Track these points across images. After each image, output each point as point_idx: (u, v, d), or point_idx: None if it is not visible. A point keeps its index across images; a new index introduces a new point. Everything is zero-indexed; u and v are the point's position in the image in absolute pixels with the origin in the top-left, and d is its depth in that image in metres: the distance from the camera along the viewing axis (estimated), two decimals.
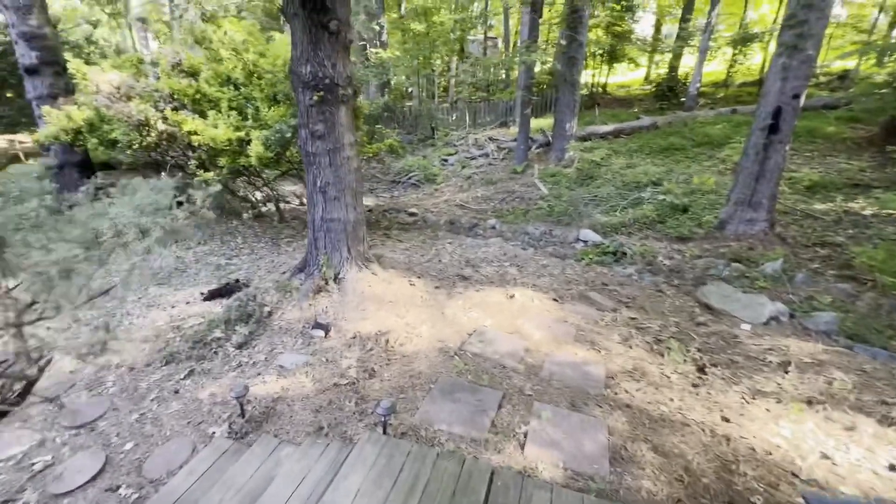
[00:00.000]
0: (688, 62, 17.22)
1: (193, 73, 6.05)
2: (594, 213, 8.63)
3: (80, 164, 7.00)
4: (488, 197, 10.60)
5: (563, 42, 9.35)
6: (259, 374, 3.52)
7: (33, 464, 2.86)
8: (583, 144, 11.68)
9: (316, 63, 3.50)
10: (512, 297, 4.70)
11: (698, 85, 13.88)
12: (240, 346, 3.89)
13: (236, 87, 6.19)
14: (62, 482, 2.70)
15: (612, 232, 7.65)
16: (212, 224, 7.78)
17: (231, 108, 5.90)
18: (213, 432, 2.99)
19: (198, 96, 5.98)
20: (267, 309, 4.31)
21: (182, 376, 3.61)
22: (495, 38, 25.81)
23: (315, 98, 3.62)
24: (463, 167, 12.80)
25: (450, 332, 3.92)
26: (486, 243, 7.12)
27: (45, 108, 5.66)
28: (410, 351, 3.65)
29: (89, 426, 3.16)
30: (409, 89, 19.95)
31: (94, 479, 2.73)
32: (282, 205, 8.77)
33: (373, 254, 5.20)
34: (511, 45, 18.06)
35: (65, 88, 6.42)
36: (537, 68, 13.89)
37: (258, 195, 8.80)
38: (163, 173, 5.81)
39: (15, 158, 10.41)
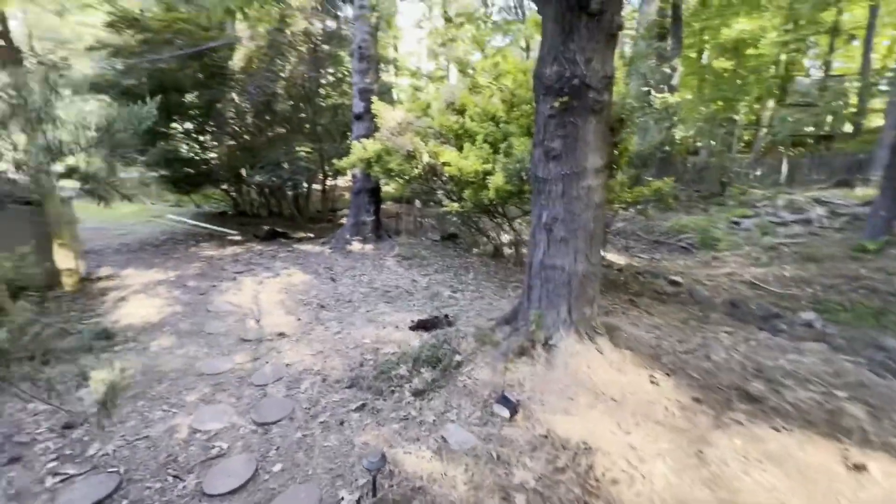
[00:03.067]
0: None
1: (462, 111, 6.33)
2: None
3: (372, 190, 8.48)
4: (804, 279, 7.27)
5: None
6: (418, 438, 2.79)
7: (213, 447, 2.94)
8: None
9: (564, 59, 2.68)
10: (860, 468, 2.46)
11: None
12: (416, 394, 3.31)
13: (496, 124, 6.13)
14: (214, 481, 2.62)
15: None
16: (453, 256, 8.04)
17: (485, 142, 5.81)
18: (342, 498, 2.39)
19: (461, 132, 6.19)
20: (458, 358, 3.63)
21: (354, 407, 3.27)
22: (841, 76, 19.51)
23: (556, 105, 2.78)
24: (764, 234, 9.49)
25: (710, 499, 2.20)
26: (795, 348, 4.54)
27: (353, 144, 7.00)
28: (626, 502, 2.18)
29: (266, 427, 3.13)
30: (696, 142, 17.06)
31: (234, 492, 2.53)
32: (524, 249, 8.37)
33: (604, 323, 3.86)
34: (874, 73, 12.94)
35: (375, 129, 7.87)
36: None
37: (504, 236, 8.69)
38: (416, 202, 6.17)
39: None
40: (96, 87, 7.29)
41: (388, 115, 6.38)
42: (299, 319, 5.11)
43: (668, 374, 3.35)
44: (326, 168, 11.81)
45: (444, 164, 5.71)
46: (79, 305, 5.30)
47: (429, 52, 23.17)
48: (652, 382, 3.21)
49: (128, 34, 7.32)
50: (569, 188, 3.00)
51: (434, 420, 3.00)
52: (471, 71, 6.04)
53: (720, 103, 13.16)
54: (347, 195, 17.02)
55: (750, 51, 12.11)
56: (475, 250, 7.23)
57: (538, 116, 3.05)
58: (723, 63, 12.28)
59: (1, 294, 4.61)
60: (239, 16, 7.87)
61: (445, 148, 5.91)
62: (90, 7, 9.50)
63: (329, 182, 13.17)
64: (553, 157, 2.97)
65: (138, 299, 5.58)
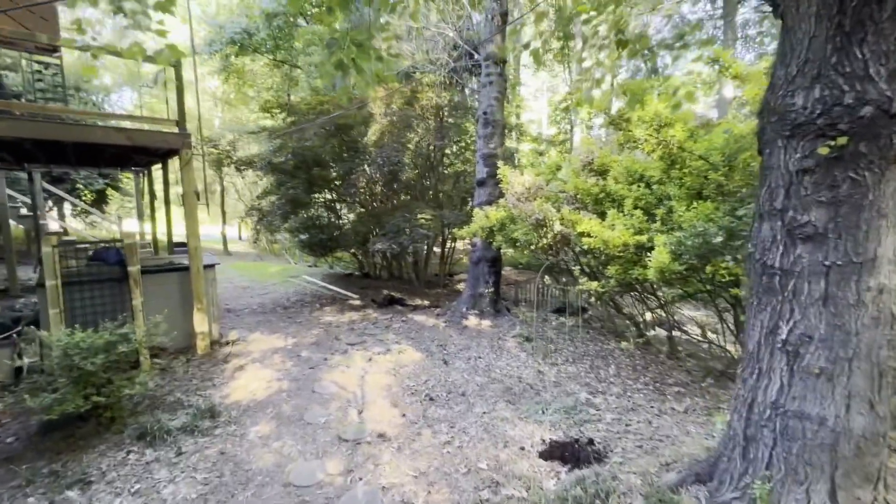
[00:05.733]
0: None
1: (602, 172, 5.35)
2: None
3: (492, 260, 7.75)
4: None
5: None
6: None
7: None
8: None
9: (841, 76, 1.58)
10: None
11: None
12: None
13: (648, 186, 4.98)
14: None
15: None
16: (586, 341, 6.68)
17: (636, 208, 4.68)
18: None
19: (601, 196, 5.18)
20: None
21: None
22: None
23: (821, 152, 1.66)
24: None
25: None
26: None
27: (475, 211, 6.44)
28: None
29: None
30: None
31: None
32: (675, 333, 6.62)
33: None
34: None
35: (499, 195, 7.28)
36: None
37: (648, 316, 7.07)
38: (546, 276, 5.18)
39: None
40: (251, 164, 8.19)
41: (514, 180, 5.70)
42: (404, 415, 4.34)
43: None
44: (446, 233, 11.64)
45: (580, 234, 4.71)
46: (201, 371, 5.34)
47: (556, 110, 22.87)
48: None
49: (280, 118, 8.23)
50: (839, 289, 1.75)
51: None
52: (623, 124, 5.08)
53: None
54: (465, 259, 16.77)
55: None
56: (626, 339, 5.82)
57: (769, 172, 1.94)
58: None
59: (143, 355, 4.85)
60: (374, 94, 8.31)
61: (583, 215, 4.93)
62: (271, 104, 11.27)
63: (447, 245, 12.99)
64: (806, 238, 1.79)
65: (254, 369, 5.46)
